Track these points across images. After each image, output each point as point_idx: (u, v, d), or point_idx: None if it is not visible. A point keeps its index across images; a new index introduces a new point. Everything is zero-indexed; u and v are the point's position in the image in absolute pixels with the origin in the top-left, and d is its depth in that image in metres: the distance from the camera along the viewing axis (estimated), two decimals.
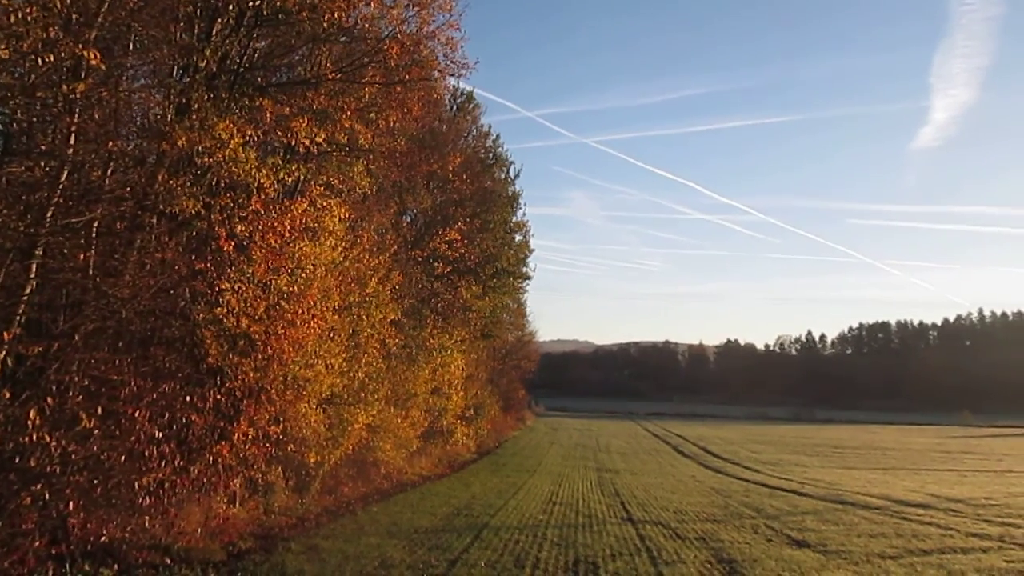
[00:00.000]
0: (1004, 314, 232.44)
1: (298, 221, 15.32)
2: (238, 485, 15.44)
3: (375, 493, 21.85)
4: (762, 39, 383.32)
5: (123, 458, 11.24)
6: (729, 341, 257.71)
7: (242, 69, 14.61)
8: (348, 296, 19.10)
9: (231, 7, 13.37)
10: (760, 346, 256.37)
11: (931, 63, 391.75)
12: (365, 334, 20.29)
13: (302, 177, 16.80)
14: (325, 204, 16.78)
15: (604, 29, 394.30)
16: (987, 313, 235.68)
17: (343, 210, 17.63)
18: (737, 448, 50.64)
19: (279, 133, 15.13)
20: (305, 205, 15.72)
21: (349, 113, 15.19)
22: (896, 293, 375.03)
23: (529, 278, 43.91)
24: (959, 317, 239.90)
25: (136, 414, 11.34)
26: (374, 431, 22.58)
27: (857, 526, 17.48)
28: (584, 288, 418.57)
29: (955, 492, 25.22)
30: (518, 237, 39.80)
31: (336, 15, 13.78)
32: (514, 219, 38.70)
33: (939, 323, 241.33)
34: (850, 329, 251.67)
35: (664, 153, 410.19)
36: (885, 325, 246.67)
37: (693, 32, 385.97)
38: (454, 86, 32.61)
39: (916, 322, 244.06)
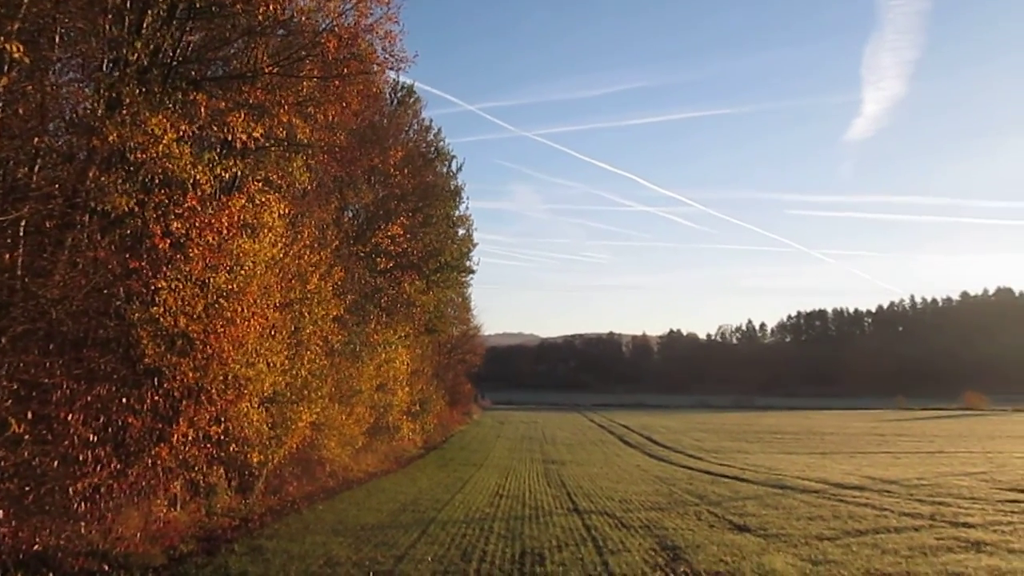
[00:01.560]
0: (934, 300, 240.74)
1: (236, 217, 15.06)
2: (178, 487, 15.14)
3: (320, 491, 21.64)
4: (700, 32, 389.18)
5: (56, 463, 10.96)
6: (672, 331, 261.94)
7: (175, 63, 14.27)
8: (289, 293, 18.86)
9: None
10: (702, 336, 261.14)
11: (862, 56, 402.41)
12: (307, 331, 20.06)
13: (240, 173, 16.53)
14: (264, 200, 16.51)
15: (544, 23, 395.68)
16: (918, 300, 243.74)
17: (282, 206, 17.38)
18: (681, 436, 51.43)
19: (215, 128, 14.83)
20: (243, 201, 15.46)
21: (287, 107, 14.98)
22: (832, 281, 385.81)
23: (473, 272, 43.95)
24: (892, 304, 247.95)
25: (69, 418, 11.05)
26: (318, 429, 22.35)
27: (796, 509, 17.91)
28: (528, 281, 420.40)
29: (889, 474, 26.00)
30: (461, 231, 39.78)
31: (271, 8, 13.59)
32: (457, 213, 38.64)
33: (873, 310, 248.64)
34: (789, 318, 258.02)
35: (606, 146, 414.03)
36: (822, 313, 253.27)
37: (633, 25, 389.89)
38: (394, 80, 32.32)
39: (852, 310, 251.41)
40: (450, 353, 63.85)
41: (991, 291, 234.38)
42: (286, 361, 18.26)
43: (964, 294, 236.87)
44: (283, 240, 17.81)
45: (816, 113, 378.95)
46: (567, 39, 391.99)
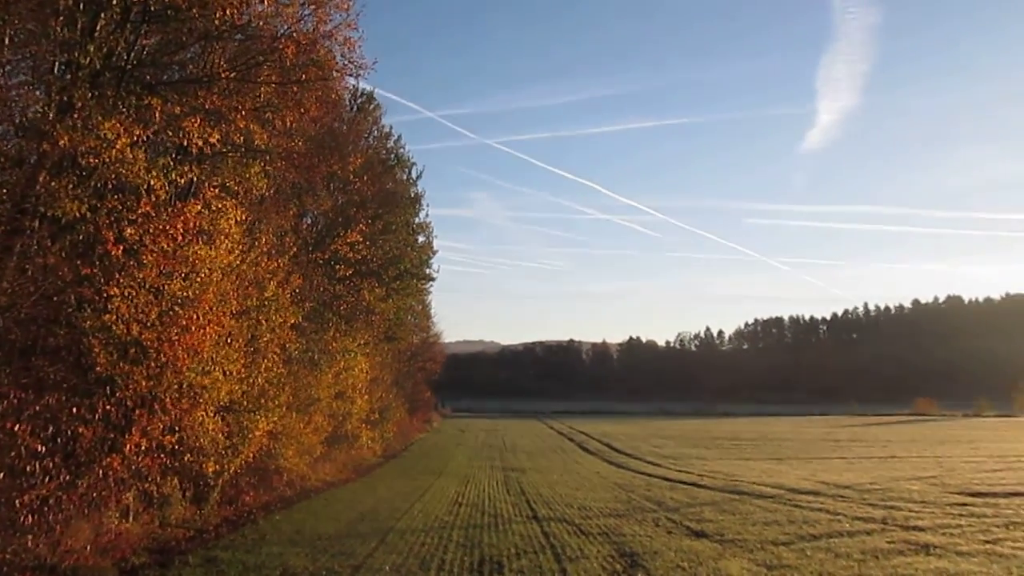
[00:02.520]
0: (887, 308, 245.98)
1: (192, 224, 14.86)
2: (131, 499, 14.84)
3: (278, 501, 21.38)
4: (660, 43, 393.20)
5: (2, 475, 10.68)
6: (632, 339, 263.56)
7: (129, 66, 14.04)
8: (246, 300, 18.64)
9: (115, 2, 12.84)
10: (661, 343, 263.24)
11: (817, 68, 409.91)
12: (265, 339, 19.83)
13: (195, 178, 16.30)
14: (220, 206, 16.34)
15: (506, 32, 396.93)
16: (871, 308, 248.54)
17: (239, 212, 17.21)
18: (640, 443, 51.71)
19: (170, 133, 14.65)
20: (199, 207, 15.26)
21: (244, 113, 14.83)
22: (788, 289, 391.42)
23: (433, 279, 43.88)
24: (846, 312, 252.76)
25: (16, 428, 10.80)
26: (276, 438, 22.10)
27: (752, 515, 18.13)
28: (489, 288, 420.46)
29: (843, 479, 26.43)
30: (421, 238, 39.66)
31: (228, 12, 13.44)
32: (417, 220, 38.54)
33: (828, 318, 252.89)
34: (746, 325, 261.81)
35: (566, 154, 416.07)
36: (779, 320, 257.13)
37: (593, 36, 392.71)
38: (354, 86, 32.19)
39: (807, 317, 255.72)
40: (410, 361, 63.54)
41: (941, 299, 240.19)
42: (243, 369, 18.04)
43: (915, 302, 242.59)
44: (240, 247, 17.62)
45: (772, 124, 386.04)
46: (529, 48, 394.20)
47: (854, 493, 22.05)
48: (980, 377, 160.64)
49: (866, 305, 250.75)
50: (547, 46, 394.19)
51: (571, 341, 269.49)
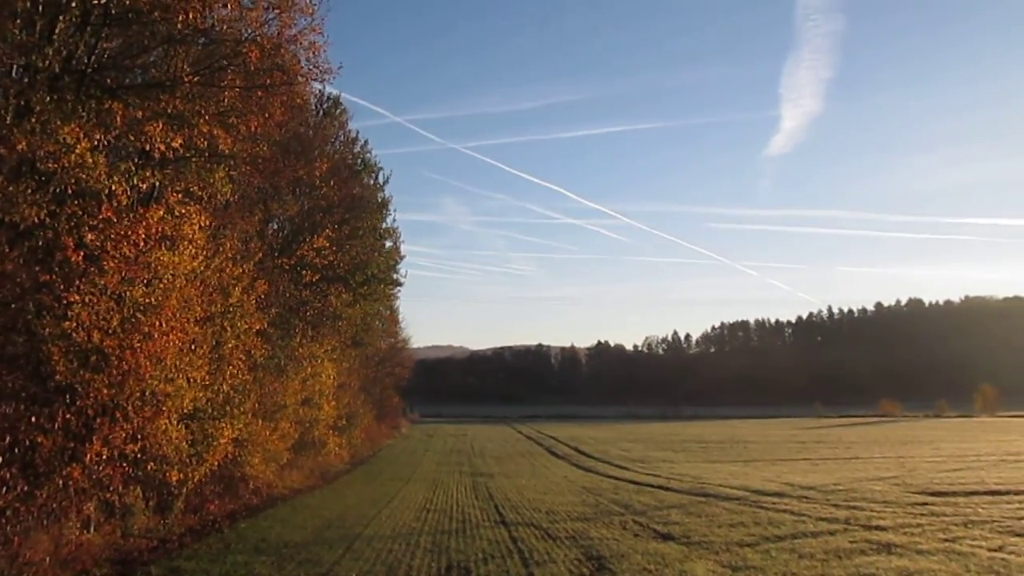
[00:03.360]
0: (850, 311, 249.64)
1: (154, 229, 14.69)
2: (92, 509, 14.59)
3: (243, 509, 21.15)
4: (626, 48, 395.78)
5: None
6: (600, 343, 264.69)
7: (90, 70, 13.84)
8: (210, 306, 18.46)
9: (74, 4, 12.66)
10: (629, 347, 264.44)
11: (781, 75, 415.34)
12: (229, 345, 19.64)
13: (158, 183, 16.09)
14: (184, 211, 16.16)
15: (473, 36, 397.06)
16: (835, 311, 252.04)
17: (203, 217, 17.04)
18: (608, 447, 51.92)
19: (132, 138, 14.47)
20: (161, 212, 15.09)
21: (208, 117, 14.67)
22: (754, 293, 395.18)
23: (400, 284, 43.66)
24: (811, 315, 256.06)
25: None
26: (241, 445, 21.88)
27: (718, 517, 18.27)
28: (457, 293, 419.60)
29: (807, 480, 26.75)
30: (388, 243, 39.46)
31: (191, 16, 13.30)
32: (384, 225, 38.33)
33: (793, 320, 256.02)
34: (713, 328, 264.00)
35: (533, 159, 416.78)
36: (744, 324, 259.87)
37: (560, 42, 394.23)
38: (320, 90, 32.02)
39: (773, 320, 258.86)
40: (378, 366, 63.25)
41: (903, 302, 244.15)
42: (207, 376, 17.86)
43: (878, 305, 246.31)
44: (204, 252, 17.45)
45: (738, 129, 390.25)
46: (495, 52, 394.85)
47: (818, 494, 22.32)
48: (941, 379, 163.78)
49: (830, 308, 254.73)
50: (514, 51, 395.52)
51: (539, 346, 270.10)
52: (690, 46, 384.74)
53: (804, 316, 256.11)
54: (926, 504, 19.49)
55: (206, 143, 16.06)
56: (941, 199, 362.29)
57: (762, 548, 14.03)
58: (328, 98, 33.76)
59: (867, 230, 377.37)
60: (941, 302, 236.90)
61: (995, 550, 13.22)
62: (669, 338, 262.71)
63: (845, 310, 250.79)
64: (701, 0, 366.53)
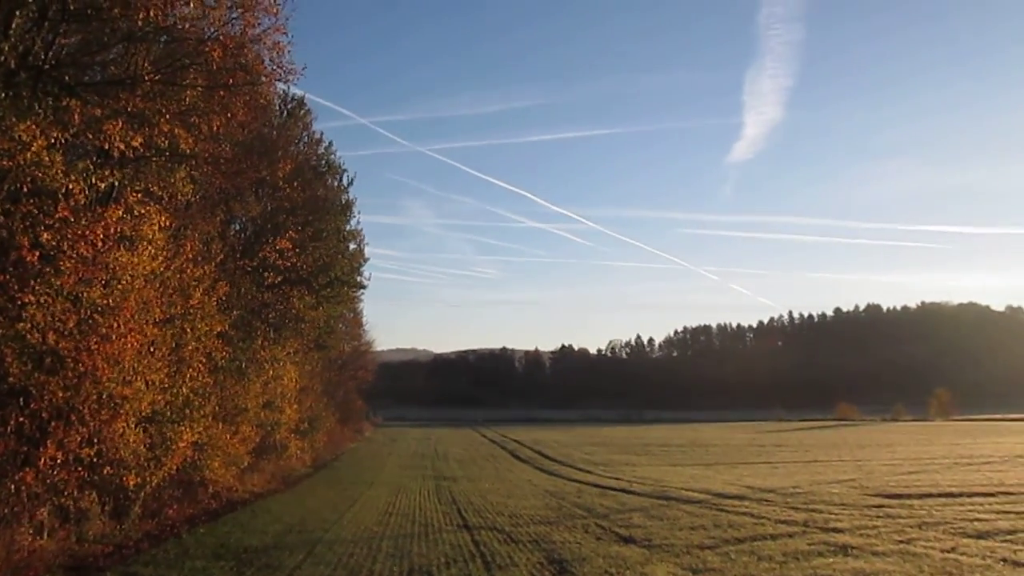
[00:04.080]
0: (810, 316, 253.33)
1: (113, 229, 14.48)
2: (46, 514, 14.30)
3: (203, 514, 20.87)
4: (592, 53, 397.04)
5: None
6: (564, 346, 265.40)
7: (47, 66, 13.58)
8: (170, 308, 18.21)
9: (31, 0, 12.42)
10: (593, 351, 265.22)
11: (743, 82, 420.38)
12: (190, 348, 19.38)
13: (117, 183, 15.82)
14: (143, 211, 15.93)
15: (439, 39, 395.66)
16: (795, 315, 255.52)
17: (163, 218, 16.81)
18: (571, 450, 52.08)
19: (90, 136, 14.22)
20: (120, 212, 14.88)
21: (168, 116, 14.47)
22: (716, 298, 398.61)
23: (364, 287, 43.25)
24: (771, 319, 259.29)
25: None
26: (201, 449, 21.59)
27: (679, 520, 18.41)
28: (422, 296, 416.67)
29: (767, 483, 27.06)
30: (352, 246, 39.09)
31: (152, 13, 13.11)
32: (348, 227, 37.95)
33: (754, 325, 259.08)
34: (675, 332, 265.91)
35: (499, 162, 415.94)
36: (707, 328, 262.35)
37: (526, 46, 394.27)
38: (284, 91, 31.74)
39: (734, 325, 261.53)
40: (341, 370, 62.85)
41: (862, 307, 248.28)
42: (166, 379, 17.62)
43: (837, 310, 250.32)
44: (164, 253, 17.22)
45: (701, 135, 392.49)
46: (461, 55, 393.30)
47: (778, 497, 22.59)
48: (898, 383, 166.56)
49: (791, 313, 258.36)
50: (480, 55, 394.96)
51: (504, 349, 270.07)
52: (655, 53, 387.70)
53: (765, 321, 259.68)
54: (882, 506, 19.82)
55: (167, 142, 15.82)
56: (899, 206, 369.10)
57: (722, 551, 14.16)
58: (292, 98, 33.48)
59: (827, 236, 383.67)
60: (898, 308, 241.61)
61: (948, 551, 13.48)
62: (632, 342, 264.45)
63: (805, 315, 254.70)
64: (666, 8, 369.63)
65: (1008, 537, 14.72)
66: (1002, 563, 12.35)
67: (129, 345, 15.00)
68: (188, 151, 16.59)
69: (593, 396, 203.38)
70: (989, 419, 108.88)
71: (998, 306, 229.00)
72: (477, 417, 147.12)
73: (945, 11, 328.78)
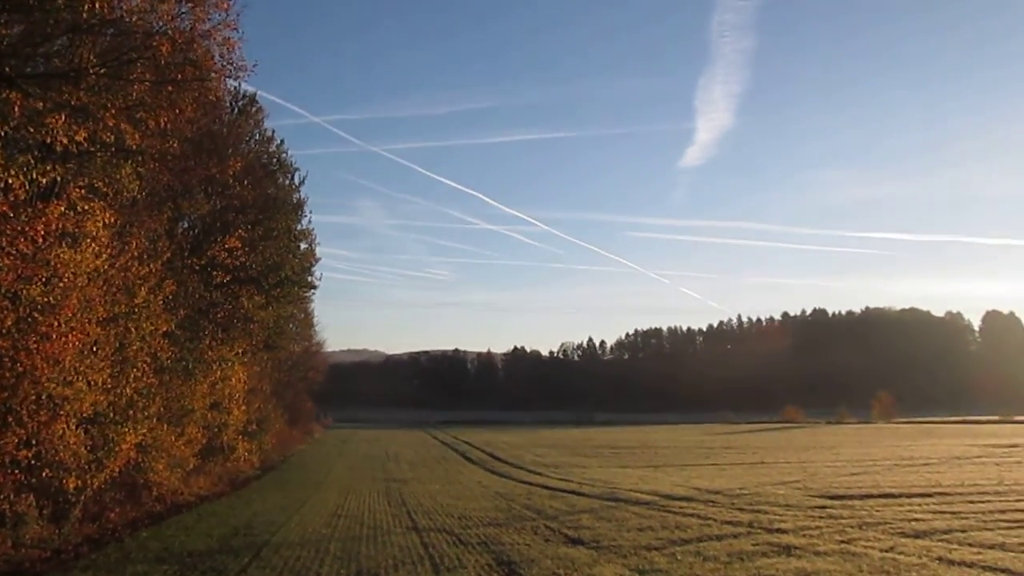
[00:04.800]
0: (758, 320, 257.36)
1: (54, 225, 14.16)
2: None
3: (146, 517, 20.46)
4: (547, 56, 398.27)
5: None
6: (516, 348, 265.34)
7: None
8: (114, 307, 17.83)
9: None
10: (545, 353, 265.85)
11: (696, 88, 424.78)
12: (134, 347, 19.01)
13: (60, 178, 15.44)
14: (87, 208, 15.60)
15: (393, 39, 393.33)
16: (744, 319, 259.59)
17: (108, 215, 16.48)
18: (522, 452, 52.18)
19: (31, 130, 13.84)
20: (63, 208, 14.54)
21: (114, 111, 14.16)
22: (667, 301, 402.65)
23: (315, 287, 42.85)
24: (721, 323, 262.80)
25: None
26: (145, 451, 21.20)
27: (628, 521, 18.58)
28: (374, 297, 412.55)
29: (715, 484, 27.43)
30: (304, 245, 38.64)
31: (99, 5, 12.82)
32: (299, 227, 37.54)
33: (704, 329, 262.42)
34: (627, 335, 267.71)
35: (453, 164, 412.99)
36: (658, 331, 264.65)
37: (480, 48, 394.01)
38: (235, 88, 31.29)
39: (685, 328, 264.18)
40: (291, 370, 62.18)
41: (808, 311, 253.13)
42: (109, 379, 17.25)
43: (784, 314, 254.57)
44: (108, 251, 16.87)
45: (654, 140, 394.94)
46: (415, 55, 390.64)
47: (724, 498, 22.92)
48: (842, 386, 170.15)
49: (740, 317, 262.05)
50: (434, 56, 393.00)
51: (456, 351, 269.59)
52: (608, 58, 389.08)
53: (715, 324, 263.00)
54: (825, 507, 20.24)
55: (112, 137, 15.47)
56: (844, 213, 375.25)
57: (669, 551, 14.34)
58: (243, 95, 33.05)
59: (775, 242, 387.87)
60: (843, 313, 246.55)
61: (887, 551, 13.83)
62: (584, 344, 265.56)
63: (754, 319, 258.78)
64: (619, 13, 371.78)
65: (944, 536, 15.17)
66: (937, 562, 12.72)
67: (70, 344, 14.67)
68: (134, 147, 16.26)
69: (545, 398, 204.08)
70: (928, 422, 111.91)
71: (938, 312, 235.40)
72: (429, 419, 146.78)
73: (887, 22, 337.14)
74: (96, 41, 15.03)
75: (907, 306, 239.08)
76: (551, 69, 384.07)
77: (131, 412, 18.67)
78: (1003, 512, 18.58)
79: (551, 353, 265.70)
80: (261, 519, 20.36)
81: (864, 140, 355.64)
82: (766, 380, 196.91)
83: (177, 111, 15.57)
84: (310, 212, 38.40)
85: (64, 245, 14.72)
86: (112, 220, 16.85)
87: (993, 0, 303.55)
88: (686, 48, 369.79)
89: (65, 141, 13.85)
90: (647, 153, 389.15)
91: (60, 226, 14.37)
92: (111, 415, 17.90)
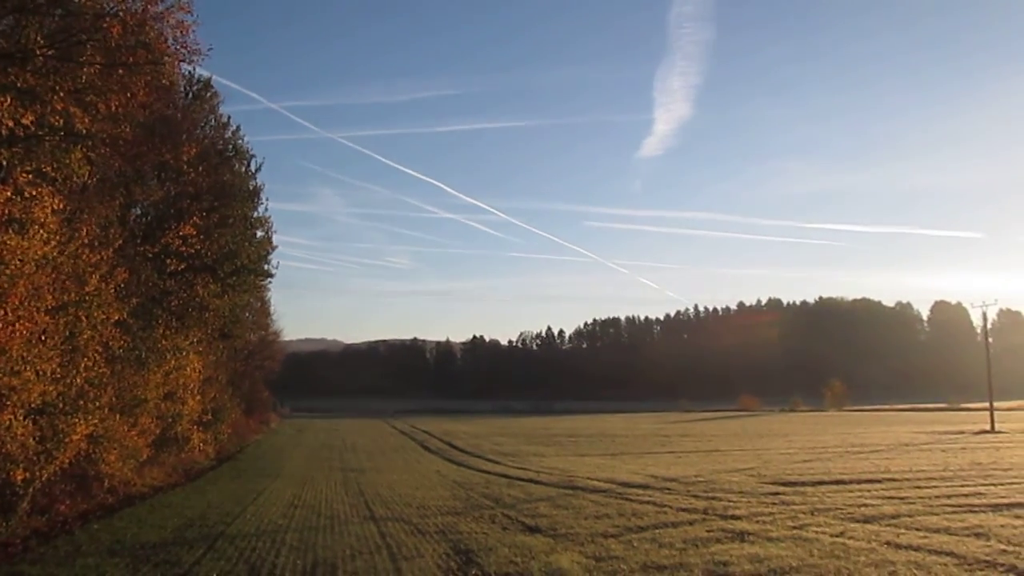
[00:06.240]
0: (715, 309, 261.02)
1: (0, 211, 13.75)
2: None
3: (97, 509, 20.10)
4: (507, 46, 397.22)
5: None
6: (475, 337, 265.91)
7: None
8: (64, 295, 17.41)
9: None
10: (504, 342, 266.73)
11: (654, 79, 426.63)
12: (85, 336, 18.59)
13: (6, 162, 15.06)
14: (35, 193, 15.22)
15: (352, 24, 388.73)
16: (701, 309, 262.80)
17: (57, 200, 16.10)
18: (481, 441, 52.29)
19: None
20: (9, 194, 14.17)
21: (63, 94, 13.84)
22: (626, 291, 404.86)
23: (272, 275, 42.26)
24: (678, 312, 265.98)
25: None
26: (96, 441, 20.76)
27: (585, 509, 18.73)
28: (332, 286, 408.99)
29: (671, 472, 27.78)
30: (260, 233, 38.08)
31: None
32: (256, 214, 36.99)
33: (662, 318, 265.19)
34: (585, 325, 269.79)
35: (412, 152, 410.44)
36: (616, 321, 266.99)
37: (439, 35, 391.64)
38: (190, 72, 30.71)
39: (643, 317, 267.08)
40: (247, 360, 61.54)
41: (764, 301, 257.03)
42: (58, 369, 16.85)
43: (740, 304, 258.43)
44: (57, 237, 16.47)
45: (613, 130, 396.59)
46: (373, 41, 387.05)
47: (680, 486, 23.22)
48: (796, 375, 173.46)
49: (696, 306, 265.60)
50: (393, 41, 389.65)
51: (415, 340, 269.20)
52: (568, 47, 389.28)
53: (672, 314, 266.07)
54: (778, 494, 20.62)
55: (61, 121, 15.10)
56: (799, 204, 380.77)
57: (625, 538, 14.49)
58: (198, 80, 32.43)
59: (731, 232, 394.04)
60: (797, 302, 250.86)
61: (837, 536, 14.14)
62: (543, 333, 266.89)
63: (710, 308, 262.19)
64: (579, 3, 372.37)
65: (892, 521, 15.57)
66: (886, 546, 13.04)
67: (18, 333, 14.33)
68: (84, 131, 15.89)
69: (504, 387, 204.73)
70: (879, 409, 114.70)
71: (889, 302, 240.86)
72: (387, 408, 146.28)
73: (843, 18, 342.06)
74: (44, 22, 14.66)
75: (859, 296, 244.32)
76: (510, 57, 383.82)
77: (82, 402, 18.28)
78: (948, 497, 19.13)
79: (510, 342, 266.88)
80: (216, 510, 20.14)
81: (820, 134, 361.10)
82: (722, 369, 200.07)
83: (129, 95, 15.24)
84: (267, 199, 37.83)
85: (11, 231, 14.34)
86: (61, 206, 16.46)
87: (942, 1, 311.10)
88: (645, 38, 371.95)
89: (11, 124, 13.50)
90: (606, 143, 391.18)
91: (6, 212, 14.01)
92: (61, 405, 17.51)
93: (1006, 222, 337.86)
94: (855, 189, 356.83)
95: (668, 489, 22.46)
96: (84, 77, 14.36)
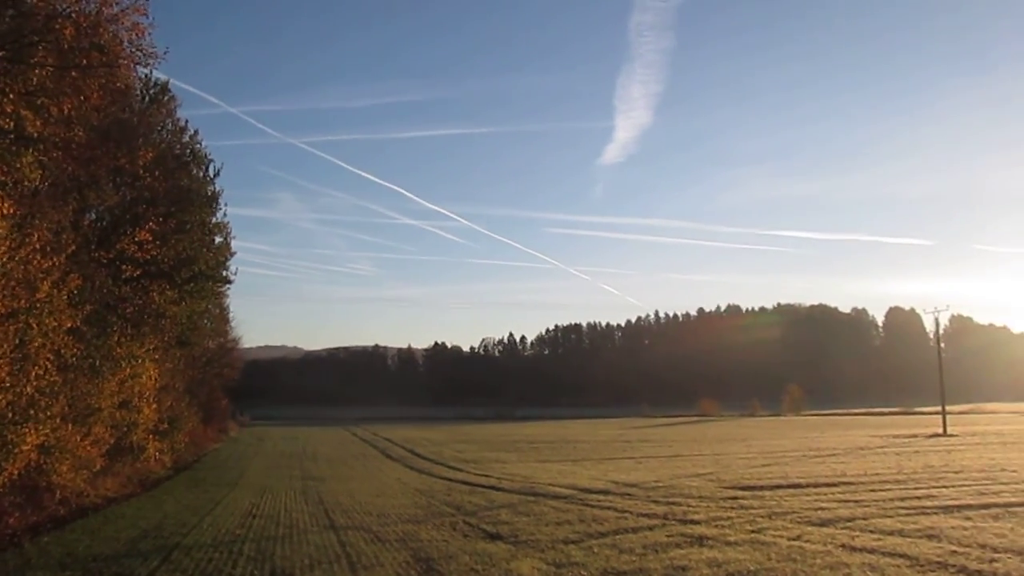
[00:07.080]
0: (675, 316, 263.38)
1: None
2: None
3: (48, 521, 19.60)
4: (467, 53, 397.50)
5: None
6: (437, 344, 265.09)
7: None
8: (13, 301, 17.01)
9: None
10: (466, 348, 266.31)
11: (615, 86, 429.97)
12: (36, 344, 18.16)
13: None
14: None
15: (312, 29, 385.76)
16: (661, 315, 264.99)
17: (7, 205, 15.77)
18: (442, 448, 52.09)
19: None
20: None
21: (13, 96, 13.55)
22: (587, 297, 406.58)
23: (230, 282, 41.69)
24: (639, 319, 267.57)
25: None
26: (48, 452, 20.28)
27: (546, 515, 18.73)
28: (292, 292, 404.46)
29: (631, 478, 27.90)
30: (218, 239, 37.58)
31: None
32: (214, 220, 36.45)
33: (623, 324, 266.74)
34: (547, 331, 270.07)
35: (373, 158, 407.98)
36: (577, 327, 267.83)
37: (400, 41, 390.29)
38: (146, 75, 30.21)
39: (604, 324, 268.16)
40: (205, 367, 60.62)
41: (723, 307, 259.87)
42: (8, 377, 16.49)
43: (700, 310, 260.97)
44: (7, 243, 16.11)
45: (574, 137, 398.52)
46: (335, 46, 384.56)
47: (640, 491, 23.34)
48: (755, 380, 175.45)
49: (657, 313, 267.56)
50: (354, 47, 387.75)
51: (376, 346, 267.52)
52: (529, 54, 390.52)
53: (633, 320, 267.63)
54: (736, 498, 20.82)
55: (12, 124, 14.78)
56: (758, 212, 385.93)
57: (586, 545, 14.53)
58: (155, 83, 31.88)
59: (691, 239, 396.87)
60: (756, 308, 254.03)
61: (794, 539, 14.33)
62: (505, 340, 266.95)
63: (670, 315, 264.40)
64: (539, 9, 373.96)
65: (847, 524, 15.81)
66: (841, 549, 13.24)
67: None
68: (35, 135, 15.57)
69: (466, 394, 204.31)
70: (835, 414, 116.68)
71: (845, 308, 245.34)
72: (349, 416, 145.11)
73: (798, 32, 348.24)
74: None
75: (816, 302, 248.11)
76: (473, 64, 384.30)
77: (32, 411, 17.86)
78: (902, 500, 19.48)
79: (472, 349, 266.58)
80: (172, 520, 19.79)
81: (778, 143, 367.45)
82: (683, 375, 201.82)
83: (82, 98, 14.99)
84: (225, 205, 37.29)
85: None
86: (11, 211, 16.11)
87: (911, 11, 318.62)
88: (605, 47, 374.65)
89: None
90: (567, 150, 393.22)
91: None
92: (10, 415, 17.10)
93: (956, 230, 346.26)
94: (813, 198, 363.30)
95: (628, 495, 22.56)
96: (36, 79, 14.09)
